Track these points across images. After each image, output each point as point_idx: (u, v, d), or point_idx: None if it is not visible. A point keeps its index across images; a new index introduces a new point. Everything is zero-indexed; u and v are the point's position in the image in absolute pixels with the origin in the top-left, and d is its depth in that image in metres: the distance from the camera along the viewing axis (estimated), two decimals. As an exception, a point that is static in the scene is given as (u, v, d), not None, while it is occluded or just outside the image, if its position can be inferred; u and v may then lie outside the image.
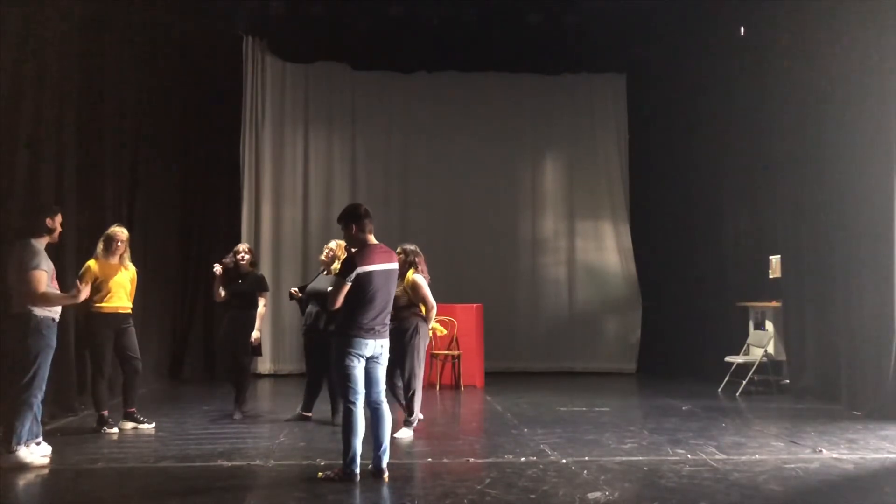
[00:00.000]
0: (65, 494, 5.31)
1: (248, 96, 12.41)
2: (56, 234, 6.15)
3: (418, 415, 7.30)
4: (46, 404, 6.41)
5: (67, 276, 7.23)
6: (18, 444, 5.71)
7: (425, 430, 7.47)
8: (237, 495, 5.32)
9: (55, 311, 6.01)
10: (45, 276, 5.89)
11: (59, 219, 6.14)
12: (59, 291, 6.14)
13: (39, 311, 5.86)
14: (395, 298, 5.95)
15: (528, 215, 13.23)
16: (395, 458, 5.85)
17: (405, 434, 7.03)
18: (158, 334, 10.77)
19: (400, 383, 7.22)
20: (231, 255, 8.16)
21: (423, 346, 7.31)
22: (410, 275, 7.20)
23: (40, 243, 5.99)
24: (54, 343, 5.96)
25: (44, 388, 5.89)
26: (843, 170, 8.63)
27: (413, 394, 7.21)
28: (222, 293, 8.04)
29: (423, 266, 7.31)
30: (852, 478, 5.67)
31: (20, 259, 5.88)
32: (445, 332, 8.57)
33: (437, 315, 10.77)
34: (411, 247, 7.37)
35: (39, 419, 5.99)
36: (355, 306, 5.36)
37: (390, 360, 5.73)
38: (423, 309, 7.27)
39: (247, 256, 8.13)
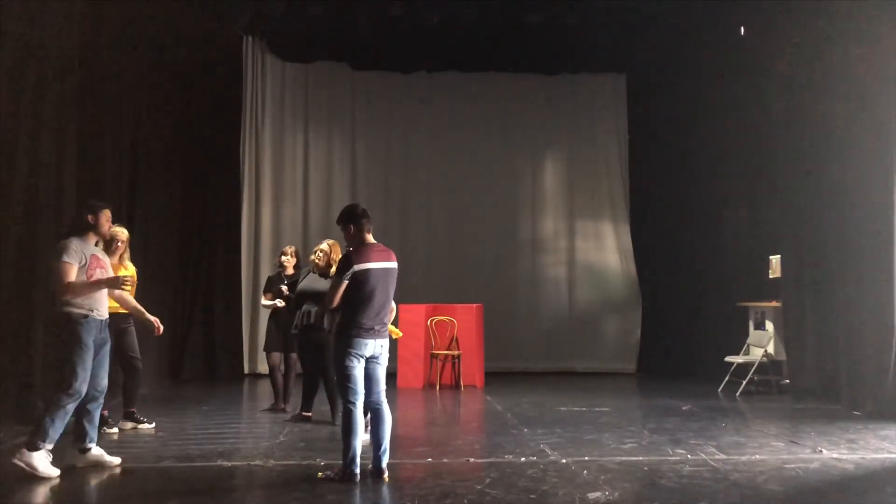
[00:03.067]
0: (64, 494, 5.31)
1: (248, 96, 12.40)
2: (104, 230, 5.93)
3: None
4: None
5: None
6: (44, 441, 5.55)
7: (425, 430, 7.46)
8: (237, 495, 5.32)
9: (88, 308, 5.71)
10: (69, 268, 5.65)
11: (104, 215, 5.88)
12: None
13: (74, 309, 5.65)
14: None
15: (528, 215, 13.24)
16: (395, 458, 5.85)
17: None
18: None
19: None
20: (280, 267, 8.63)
21: None
22: None
23: (82, 240, 5.78)
24: (89, 341, 5.66)
25: (83, 390, 5.60)
26: (843, 169, 8.62)
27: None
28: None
29: None
30: (852, 478, 5.66)
31: (50, 259, 5.83)
32: (401, 334, 8.49)
33: (437, 315, 10.92)
34: None
35: (94, 422, 5.84)
36: (354, 305, 5.36)
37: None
38: None
39: (293, 260, 8.55)
